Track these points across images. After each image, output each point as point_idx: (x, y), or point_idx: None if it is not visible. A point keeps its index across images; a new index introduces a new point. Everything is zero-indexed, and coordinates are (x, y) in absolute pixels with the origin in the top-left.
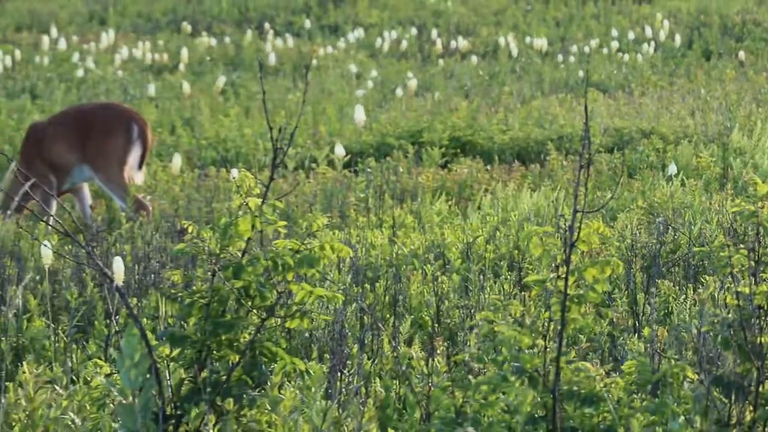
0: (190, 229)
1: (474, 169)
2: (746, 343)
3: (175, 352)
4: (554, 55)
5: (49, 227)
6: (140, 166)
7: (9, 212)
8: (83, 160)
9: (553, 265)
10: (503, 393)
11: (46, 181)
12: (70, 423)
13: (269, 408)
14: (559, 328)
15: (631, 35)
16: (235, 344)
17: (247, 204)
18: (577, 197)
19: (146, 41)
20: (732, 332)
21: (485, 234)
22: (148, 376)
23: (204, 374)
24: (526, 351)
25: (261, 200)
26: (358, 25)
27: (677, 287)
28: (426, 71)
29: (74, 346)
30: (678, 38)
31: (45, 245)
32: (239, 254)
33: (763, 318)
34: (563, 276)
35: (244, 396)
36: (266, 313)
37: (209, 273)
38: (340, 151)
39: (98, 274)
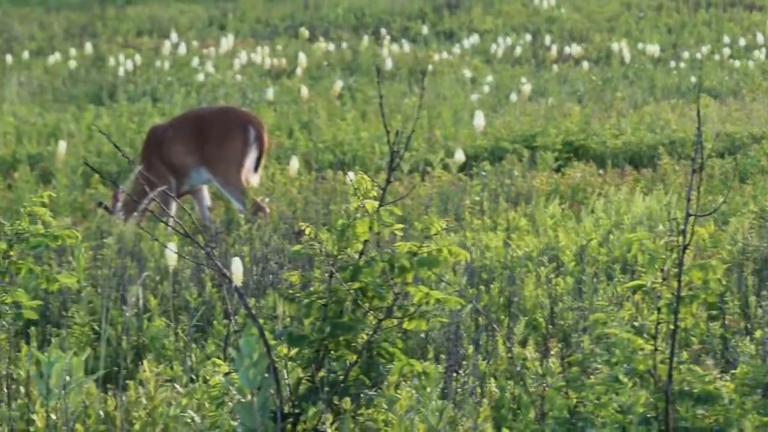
0: (307, 231)
1: (587, 173)
2: None
3: (293, 351)
4: (666, 62)
5: (170, 228)
6: (256, 169)
7: (135, 214)
8: (201, 163)
9: (661, 268)
10: (616, 393)
11: (166, 183)
12: (189, 421)
13: (386, 407)
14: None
15: (742, 42)
16: (352, 344)
17: (364, 206)
18: (689, 201)
19: (265, 46)
20: None
21: (598, 237)
22: (266, 375)
23: (321, 373)
24: (639, 352)
25: (378, 203)
26: (472, 31)
27: None
28: (540, 77)
29: (193, 345)
30: None
31: (169, 247)
32: (356, 256)
33: None
34: (667, 279)
35: (362, 395)
36: (383, 314)
37: (327, 274)
38: (459, 155)
39: (217, 274)
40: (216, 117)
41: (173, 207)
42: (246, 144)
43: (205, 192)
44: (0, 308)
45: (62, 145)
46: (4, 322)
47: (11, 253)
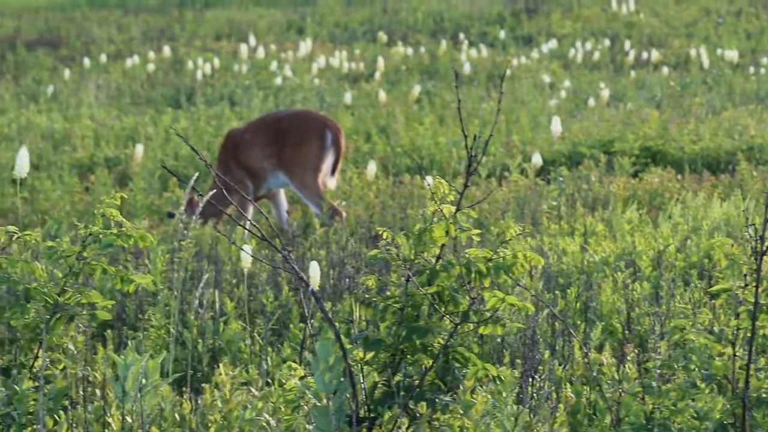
0: (384, 236)
1: (665, 179)
2: None
3: (369, 355)
4: (745, 67)
5: (247, 231)
6: (333, 173)
7: (213, 219)
8: (278, 167)
9: (742, 274)
10: (692, 399)
11: (243, 187)
12: (264, 424)
13: (461, 412)
14: (749, 335)
15: None
16: (428, 349)
17: (441, 211)
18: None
19: (343, 50)
20: None
21: (676, 242)
22: (342, 379)
23: (397, 378)
24: (717, 358)
25: (455, 207)
26: (551, 36)
27: None
28: (618, 82)
29: (269, 349)
30: None
31: (244, 250)
32: (433, 260)
33: None
34: (750, 284)
35: (437, 400)
36: (459, 318)
37: (403, 278)
38: (537, 159)
39: (294, 278)
40: (293, 121)
41: (251, 211)
42: (323, 148)
43: (282, 196)
44: (74, 310)
45: (139, 148)
46: (80, 324)
47: (85, 254)
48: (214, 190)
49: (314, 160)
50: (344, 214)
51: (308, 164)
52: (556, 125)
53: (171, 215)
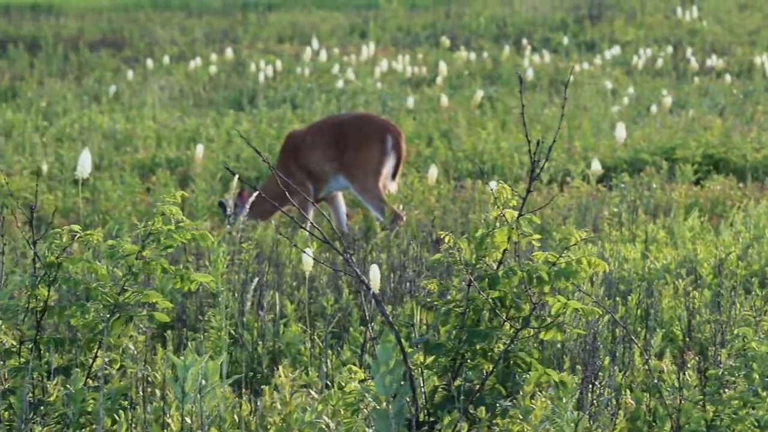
0: (446, 240)
1: (727, 186)
2: None
3: (430, 359)
4: None
5: (308, 234)
6: (394, 176)
7: (260, 218)
8: (340, 170)
9: None
10: (753, 408)
11: (304, 189)
12: (324, 427)
13: (521, 417)
14: None
15: None
16: (489, 354)
17: (503, 215)
18: None
19: (406, 54)
20: None
21: (737, 250)
22: (402, 382)
23: (457, 382)
24: None
25: (518, 212)
26: (614, 42)
27: None
28: (680, 89)
29: (329, 351)
30: None
31: (306, 252)
32: (494, 265)
33: None
34: None
35: (497, 405)
36: (521, 323)
37: (465, 283)
38: (596, 166)
39: (355, 281)
40: (355, 124)
41: (311, 213)
42: (384, 152)
43: (341, 199)
44: (134, 310)
45: (200, 149)
46: (140, 325)
47: (145, 253)
48: (257, 192)
49: (375, 164)
50: (404, 217)
51: (369, 168)
52: (621, 131)
53: (222, 204)
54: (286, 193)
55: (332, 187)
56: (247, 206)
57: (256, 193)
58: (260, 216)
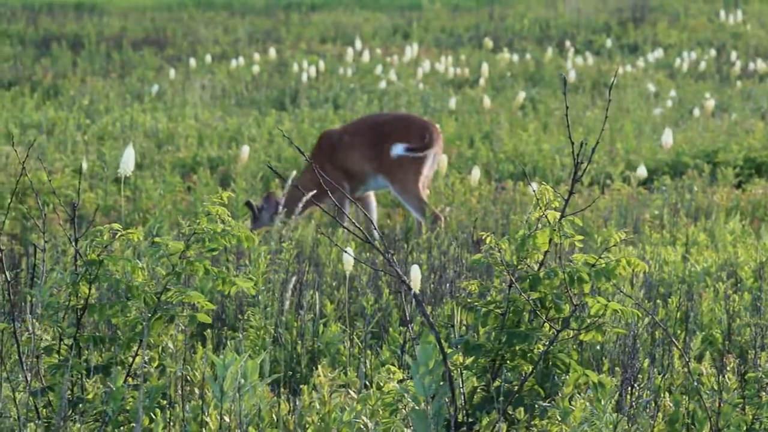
0: (488, 240)
1: None
2: None
3: (469, 360)
4: None
5: (349, 232)
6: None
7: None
8: (379, 170)
9: None
10: None
11: (340, 189)
12: (362, 427)
13: (559, 419)
14: None
15: None
16: (528, 354)
17: (545, 217)
18: None
19: (448, 56)
20: None
21: None
22: (441, 383)
23: (497, 383)
24: None
25: (559, 214)
26: (657, 45)
27: None
28: (723, 92)
29: (368, 351)
30: None
31: (347, 251)
32: (535, 266)
33: None
34: None
35: (536, 406)
36: (561, 325)
37: (505, 284)
38: (642, 171)
39: (395, 281)
40: (395, 124)
41: (349, 211)
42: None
43: (373, 198)
44: (175, 310)
45: (245, 150)
46: (180, 324)
47: (188, 253)
48: (286, 190)
49: (416, 165)
50: (443, 218)
51: (410, 169)
52: (668, 137)
53: (249, 204)
54: (328, 191)
55: (370, 187)
56: (274, 207)
57: (283, 195)
58: (293, 211)
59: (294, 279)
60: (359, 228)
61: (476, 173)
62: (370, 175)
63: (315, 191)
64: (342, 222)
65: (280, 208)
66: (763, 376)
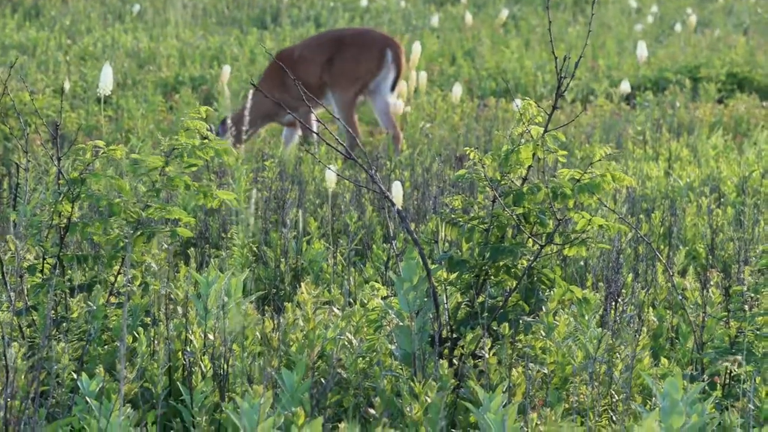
0: (471, 156)
1: (750, 105)
2: None
3: (453, 276)
4: None
5: (334, 149)
6: (392, 89)
7: (245, 136)
8: (331, 82)
9: None
10: None
11: (303, 103)
12: (346, 344)
13: (544, 334)
14: None
15: None
16: (512, 270)
17: (529, 132)
18: None
19: None
20: None
21: (761, 168)
22: (425, 299)
23: (481, 299)
24: None
25: (543, 129)
26: None
27: None
28: (705, 7)
29: (352, 269)
30: None
31: (330, 168)
32: (519, 182)
33: None
34: None
35: (520, 321)
36: (545, 240)
37: (489, 199)
38: (625, 86)
39: (378, 198)
40: (355, 38)
41: (315, 126)
42: (383, 66)
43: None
44: (156, 227)
45: (227, 69)
46: (163, 242)
47: (168, 169)
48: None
49: (364, 77)
50: (401, 137)
51: (355, 81)
52: (642, 50)
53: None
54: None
55: (330, 101)
56: (228, 131)
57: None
58: (242, 132)
59: (254, 193)
60: (343, 144)
61: (458, 90)
62: (327, 89)
63: (267, 112)
64: (310, 137)
65: (229, 127)
66: (747, 289)
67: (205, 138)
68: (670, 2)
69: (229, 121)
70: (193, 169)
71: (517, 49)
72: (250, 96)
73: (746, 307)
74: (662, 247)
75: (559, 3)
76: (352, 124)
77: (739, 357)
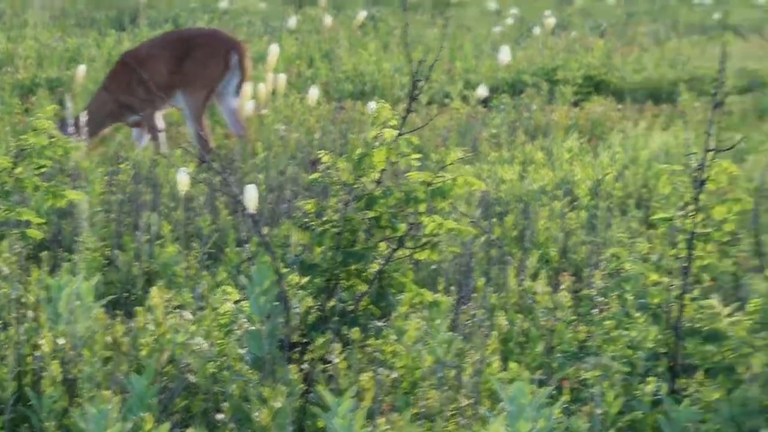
0: (325, 159)
1: (606, 108)
2: None
3: (304, 280)
4: None
5: (186, 151)
6: (237, 92)
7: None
8: (180, 84)
9: (681, 203)
10: (626, 329)
11: (150, 104)
12: (197, 348)
13: (394, 338)
14: (684, 265)
15: None
16: (364, 274)
17: (382, 135)
18: (709, 137)
19: None
20: None
21: (614, 172)
22: (276, 303)
23: (332, 303)
24: (651, 288)
25: (397, 132)
26: None
27: None
28: (563, 10)
29: (205, 272)
30: None
31: (183, 170)
32: (373, 185)
33: None
34: (691, 214)
35: (370, 326)
36: (396, 244)
37: (342, 203)
38: (482, 91)
39: (232, 201)
40: (201, 39)
41: (161, 125)
42: (227, 68)
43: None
44: (7, 230)
45: (81, 69)
46: (14, 246)
47: (18, 171)
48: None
49: (213, 80)
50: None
51: (205, 84)
52: (505, 54)
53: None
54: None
55: (179, 103)
56: (68, 131)
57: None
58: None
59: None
60: (197, 146)
61: (315, 93)
62: (175, 89)
63: (110, 113)
64: (155, 138)
65: (70, 129)
66: (597, 294)
67: (52, 137)
68: (529, 4)
69: (82, 119)
70: (44, 170)
71: (375, 51)
72: (94, 96)
73: (595, 311)
74: (515, 250)
75: (418, 5)
76: (203, 126)
77: (587, 361)
